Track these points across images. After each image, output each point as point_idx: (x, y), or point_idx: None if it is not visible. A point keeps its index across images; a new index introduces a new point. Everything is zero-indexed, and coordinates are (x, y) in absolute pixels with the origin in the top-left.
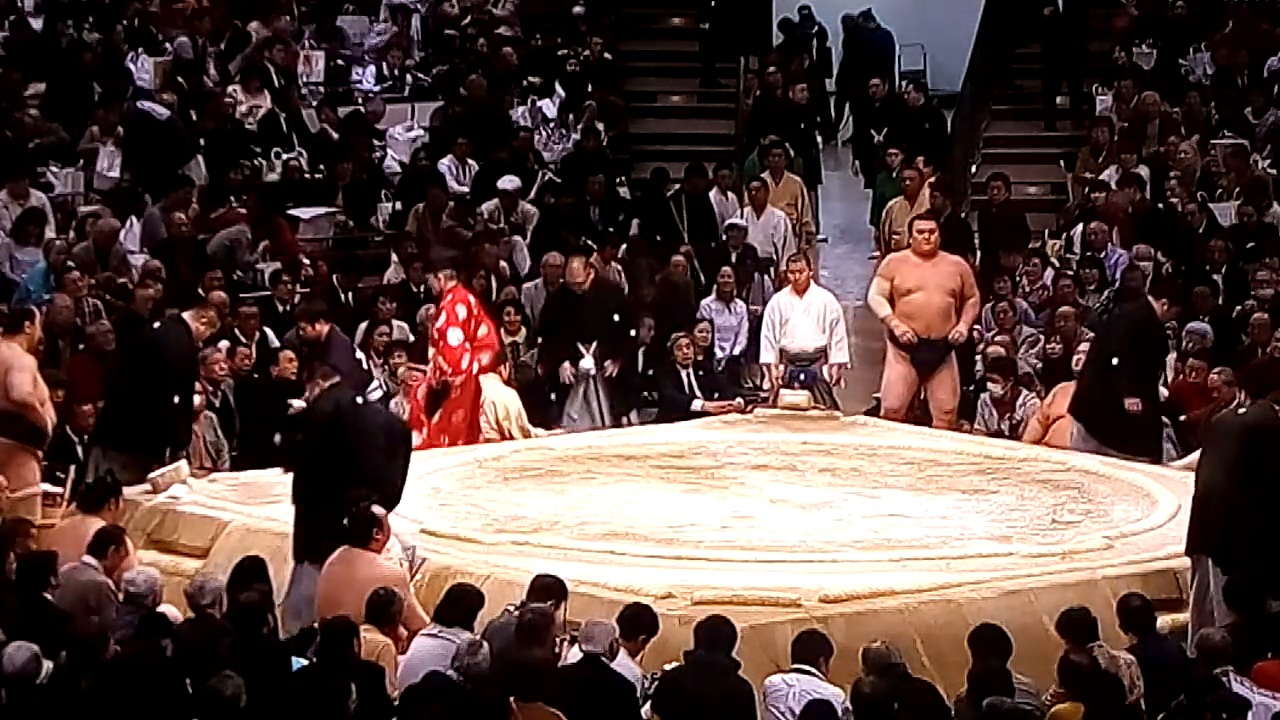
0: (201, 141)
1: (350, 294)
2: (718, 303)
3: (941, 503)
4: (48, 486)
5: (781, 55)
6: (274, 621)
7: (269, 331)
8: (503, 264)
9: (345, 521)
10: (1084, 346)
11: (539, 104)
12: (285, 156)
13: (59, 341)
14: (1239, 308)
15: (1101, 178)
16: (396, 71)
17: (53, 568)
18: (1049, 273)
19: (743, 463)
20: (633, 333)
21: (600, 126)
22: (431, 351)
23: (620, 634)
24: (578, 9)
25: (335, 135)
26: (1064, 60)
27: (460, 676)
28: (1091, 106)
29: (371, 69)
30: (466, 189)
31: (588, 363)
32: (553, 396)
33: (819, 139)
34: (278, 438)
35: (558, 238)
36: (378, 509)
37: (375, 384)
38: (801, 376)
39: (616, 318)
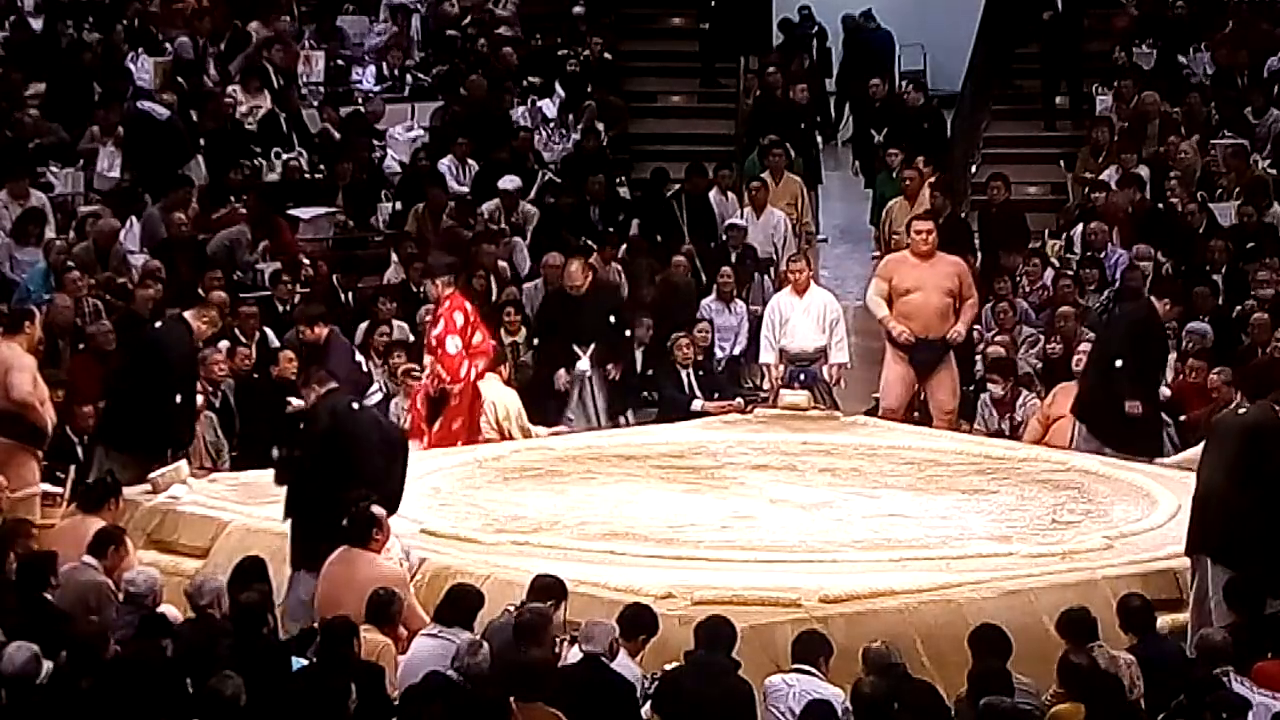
0: (201, 141)
1: (350, 294)
2: (718, 303)
3: (941, 503)
4: (47, 486)
5: (781, 55)
6: (274, 621)
7: (269, 331)
8: (502, 264)
9: (345, 522)
10: (1084, 346)
11: (539, 104)
12: (285, 156)
13: (59, 341)
14: (1239, 308)
15: (1101, 178)
16: (396, 71)
17: (53, 568)
18: (1049, 273)
19: (743, 463)
20: (628, 332)
21: (600, 126)
22: (429, 359)
23: (620, 634)
24: (578, 9)
25: (337, 135)
26: (1063, 60)
27: (460, 676)
28: (1091, 106)
29: (371, 69)
30: (466, 189)
31: (584, 364)
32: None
33: (819, 139)
34: (276, 453)
35: (558, 238)
36: (377, 509)
37: (375, 387)
38: (801, 376)
39: (613, 319)
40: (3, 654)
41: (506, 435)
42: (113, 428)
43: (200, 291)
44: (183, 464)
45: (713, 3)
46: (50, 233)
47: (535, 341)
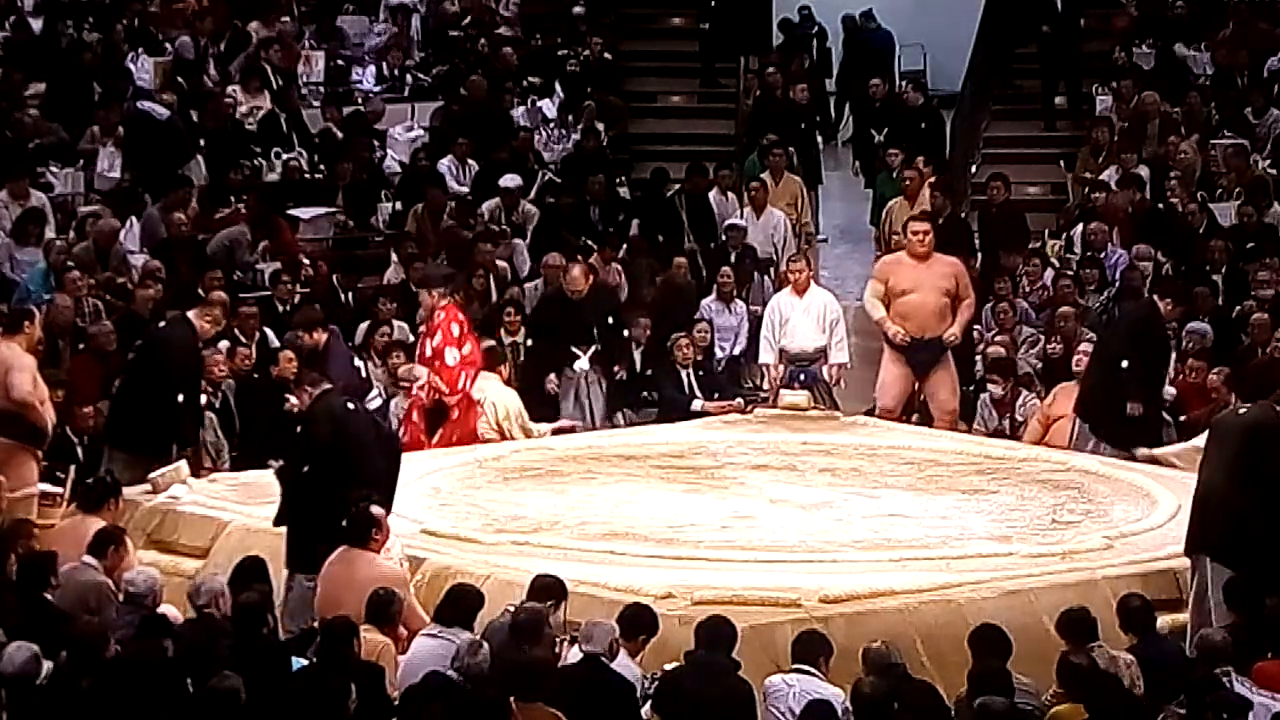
0: (201, 142)
1: (350, 294)
2: (718, 303)
3: (941, 503)
4: (47, 486)
5: (781, 55)
6: (274, 622)
7: (269, 331)
8: (503, 264)
9: (345, 522)
10: (1084, 346)
11: (539, 104)
12: (285, 156)
13: (59, 341)
14: (1239, 308)
15: (1101, 178)
16: (396, 71)
17: (53, 568)
18: (1049, 273)
19: (743, 463)
20: (626, 333)
21: (600, 126)
22: (424, 371)
23: (620, 634)
24: (578, 9)
25: (340, 135)
26: (1061, 60)
27: (460, 676)
28: (1091, 106)
29: (371, 69)
30: (466, 189)
31: (584, 364)
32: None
33: (819, 139)
34: (274, 464)
35: (558, 238)
36: (376, 509)
37: (374, 393)
38: (801, 376)
39: (611, 321)
40: (3, 654)
41: (507, 435)
42: (117, 428)
43: (200, 291)
44: (183, 464)
45: (713, 3)
46: (50, 233)
47: (529, 342)
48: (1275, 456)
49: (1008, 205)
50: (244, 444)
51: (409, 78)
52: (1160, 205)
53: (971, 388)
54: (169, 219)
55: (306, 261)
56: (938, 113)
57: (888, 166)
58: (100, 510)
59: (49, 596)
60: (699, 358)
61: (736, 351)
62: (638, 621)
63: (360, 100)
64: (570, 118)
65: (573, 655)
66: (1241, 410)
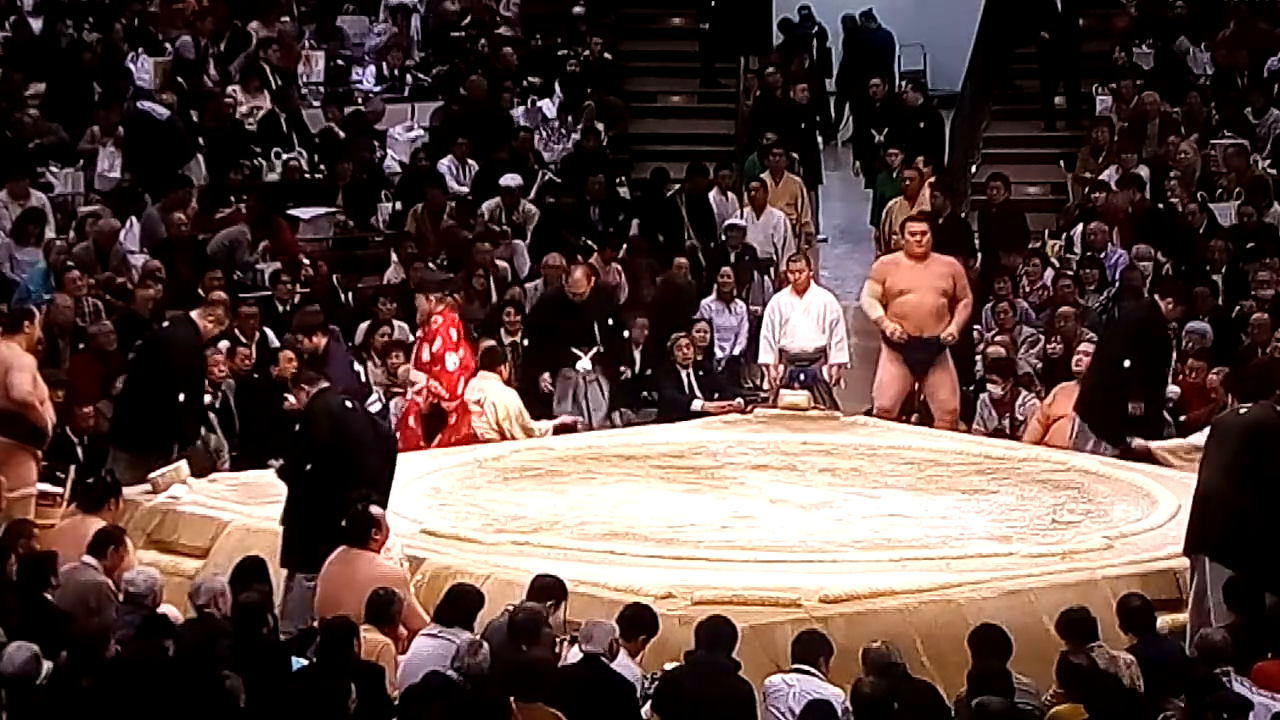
0: (201, 141)
1: (350, 294)
2: (718, 303)
3: (941, 503)
4: (47, 486)
5: (781, 55)
6: (274, 621)
7: (269, 331)
8: (502, 264)
9: (344, 522)
10: (1084, 346)
11: (539, 104)
12: (285, 156)
13: (59, 341)
14: (1239, 308)
15: (1101, 178)
16: (396, 71)
17: (53, 568)
18: (1049, 273)
19: (743, 463)
20: (626, 334)
21: (600, 126)
22: (422, 376)
23: (620, 634)
24: (578, 9)
25: (342, 134)
26: (1060, 60)
27: (460, 676)
28: (1091, 106)
29: (371, 69)
30: (466, 189)
31: (585, 364)
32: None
33: (819, 139)
34: (274, 464)
35: (558, 238)
36: (376, 509)
37: (374, 398)
38: (801, 376)
39: (610, 322)
40: (3, 654)
41: (507, 435)
42: (120, 428)
43: (200, 291)
44: (183, 464)
45: (713, 3)
46: (50, 233)
47: (526, 342)
48: (1275, 456)
49: (1008, 205)
50: (244, 444)
51: (409, 78)
52: (1160, 205)
53: (971, 388)
54: (169, 219)
55: (306, 261)
56: (936, 113)
57: (888, 166)
58: (100, 510)
59: (49, 596)
60: (699, 358)
61: (736, 351)
62: (638, 621)
63: (360, 100)
64: (570, 118)
65: (573, 655)
66: (1242, 410)
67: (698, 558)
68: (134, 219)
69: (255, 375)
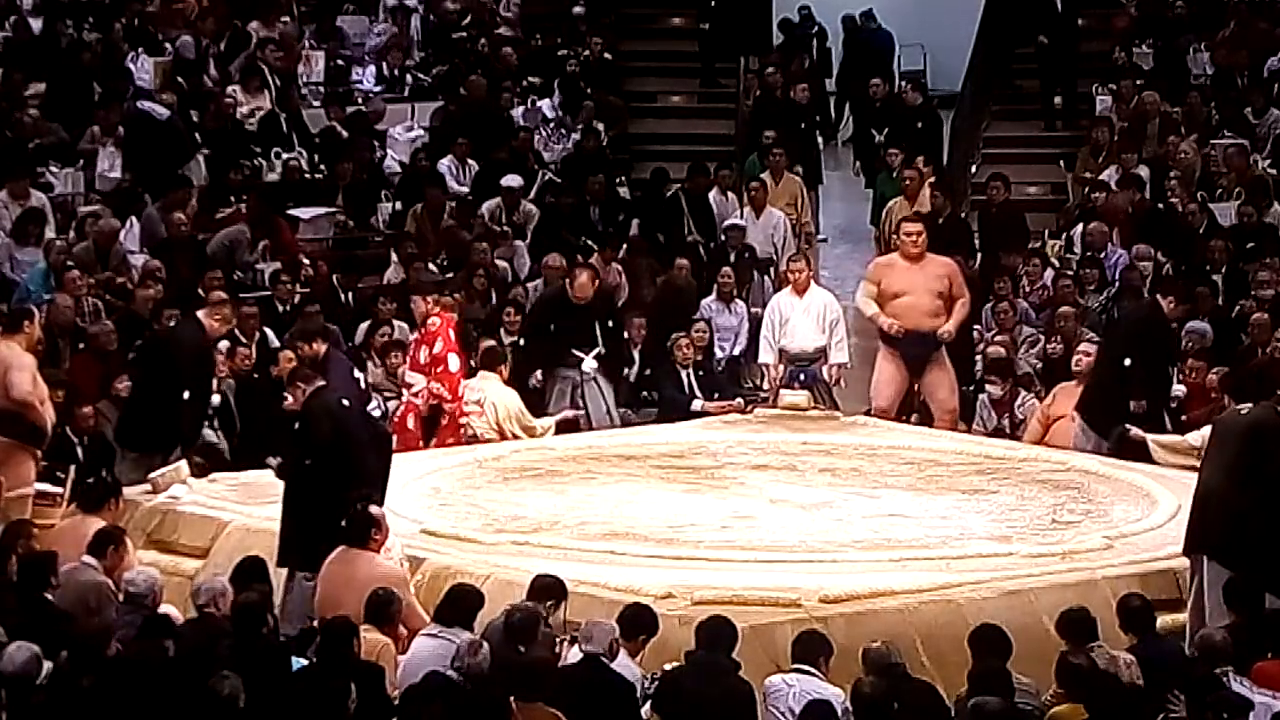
0: (199, 138)
1: (350, 294)
2: (718, 303)
3: (941, 503)
4: (46, 486)
5: (781, 55)
6: (274, 621)
7: (269, 331)
8: (502, 265)
9: (344, 522)
10: (1084, 346)
11: (539, 104)
12: (285, 156)
13: (59, 341)
14: (1239, 308)
15: (1101, 178)
16: (396, 71)
17: (53, 568)
18: (1049, 273)
19: (743, 463)
20: (625, 335)
21: (600, 126)
22: (419, 378)
23: (620, 634)
24: (578, 9)
25: (345, 134)
26: (1058, 61)
27: (460, 676)
28: (1090, 106)
29: (371, 69)
30: (466, 189)
31: (590, 364)
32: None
33: (819, 139)
34: (272, 462)
35: (558, 238)
36: (375, 509)
37: (374, 404)
38: (801, 376)
39: (610, 324)
40: (3, 654)
41: (507, 435)
42: (127, 428)
43: (200, 291)
44: (183, 464)
45: (713, 3)
46: (50, 233)
47: (522, 342)
48: (1276, 457)
49: (1008, 205)
50: (244, 444)
51: (409, 78)
52: (1160, 205)
53: (971, 388)
54: (169, 219)
55: (306, 261)
56: (935, 113)
57: (888, 166)
58: (100, 510)
59: (49, 596)
60: (699, 358)
61: (736, 351)
62: (638, 621)
63: (360, 100)
64: (570, 118)
65: (573, 655)
66: (1243, 410)
67: (698, 558)
68: (134, 219)
69: (255, 375)
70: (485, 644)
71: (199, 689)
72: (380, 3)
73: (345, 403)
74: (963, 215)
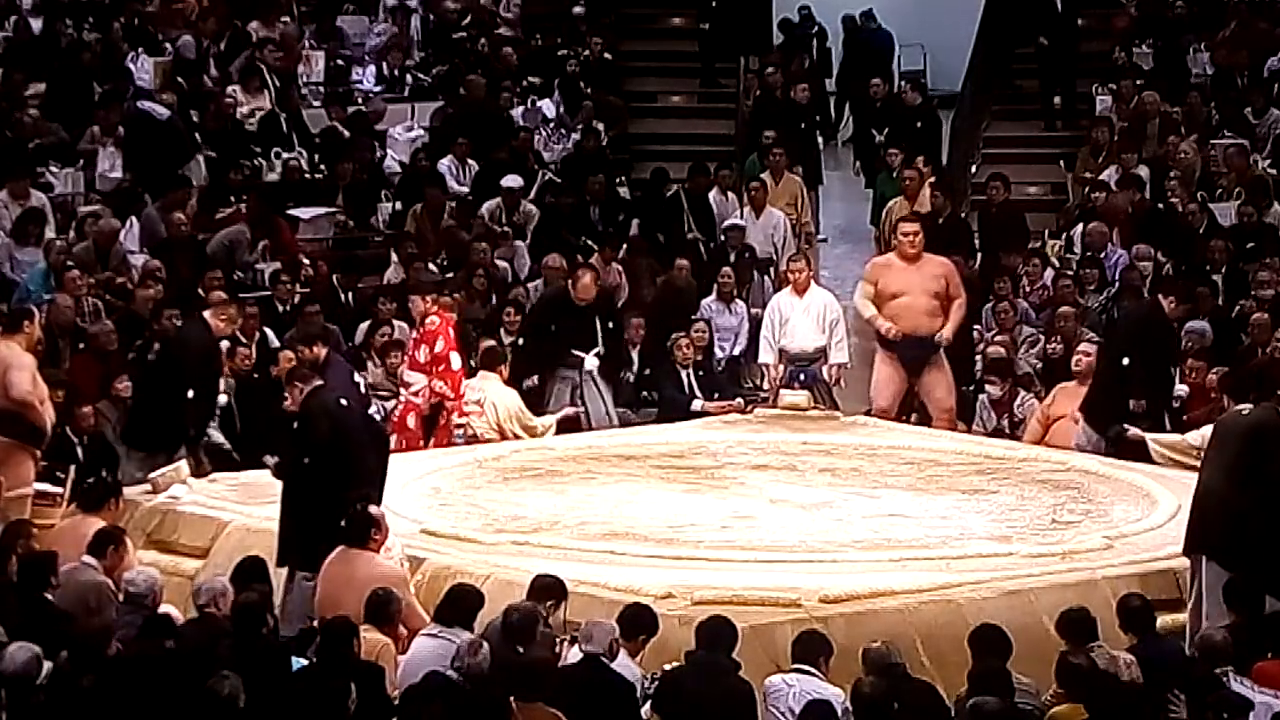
0: (199, 138)
1: (350, 294)
2: (718, 303)
3: (941, 503)
4: (46, 486)
5: (781, 55)
6: (274, 621)
7: (269, 331)
8: (502, 265)
9: (344, 522)
10: (1084, 346)
11: (539, 104)
12: (285, 156)
13: (59, 341)
14: (1239, 307)
15: (1101, 178)
16: (396, 71)
17: (53, 568)
18: (1049, 273)
19: (743, 463)
20: (625, 335)
21: (600, 126)
22: (419, 377)
23: (620, 634)
24: (578, 9)
25: (346, 134)
26: (1058, 61)
27: (460, 676)
28: (1090, 106)
29: (371, 69)
30: (466, 189)
31: (592, 362)
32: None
33: (819, 139)
34: (270, 460)
35: (558, 238)
36: (375, 509)
37: (374, 409)
38: (801, 376)
39: (611, 325)
40: (3, 654)
41: (507, 435)
42: (134, 427)
43: (200, 291)
44: (183, 464)
45: (713, 3)
46: (50, 233)
47: (520, 341)
48: (1277, 457)
49: (1008, 205)
50: (244, 444)
51: (409, 78)
52: (1160, 205)
53: (970, 388)
54: (169, 219)
55: (306, 261)
56: (935, 113)
57: (888, 166)
58: (100, 510)
59: (49, 596)
60: (699, 358)
61: (736, 351)
62: (638, 621)
63: (360, 100)
64: (570, 118)
65: (573, 655)
66: (1244, 411)
67: (698, 558)
68: (134, 219)
69: (255, 375)
70: (485, 644)
71: (199, 689)
72: (380, 3)
73: (343, 402)
74: (963, 215)
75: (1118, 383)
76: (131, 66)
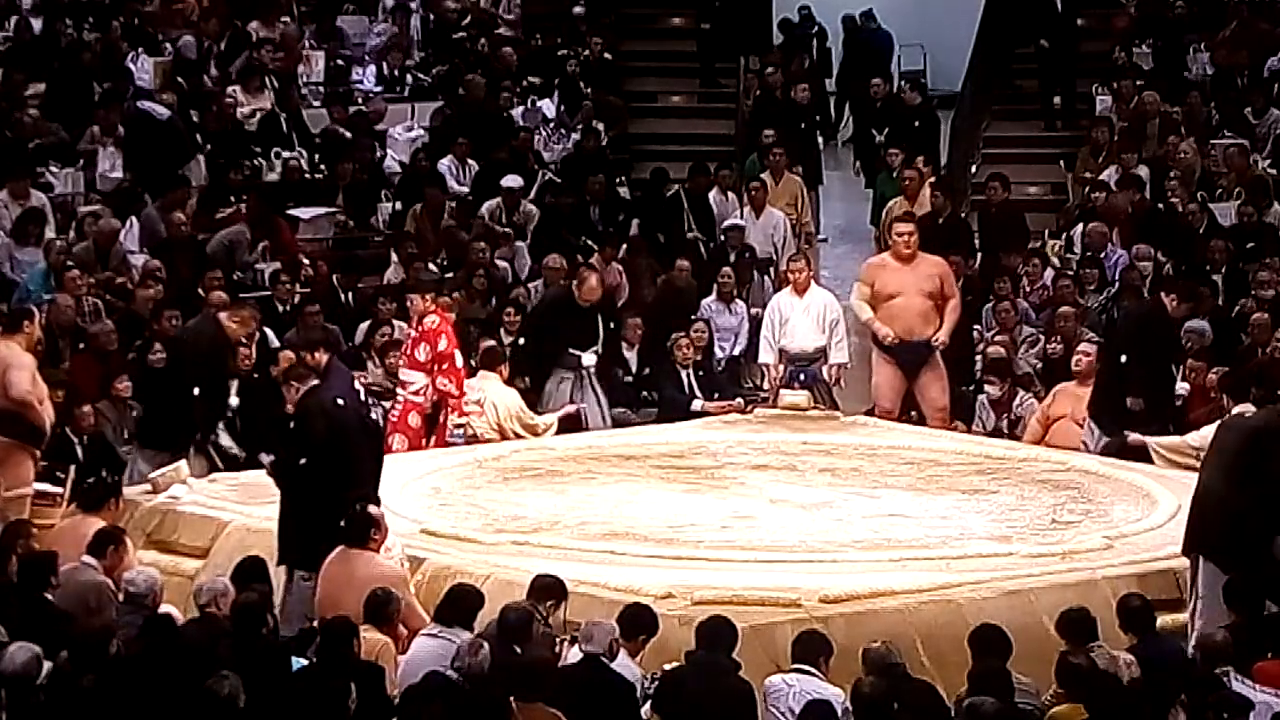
0: (199, 139)
1: (350, 294)
2: (718, 303)
3: (941, 503)
4: (46, 486)
5: (781, 55)
6: (274, 621)
7: (269, 331)
8: (502, 265)
9: (343, 522)
10: (1084, 346)
11: (538, 104)
12: (285, 156)
13: (59, 341)
14: (1239, 307)
15: (1101, 178)
16: (396, 71)
17: (53, 568)
18: (1049, 273)
19: (743, 463)
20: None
21: (600, 126)
22: (419, 376)
23: (620, 634)
24: (578, 9)
25: (346, 134)
26: (1058, 61)
27: (460, 676)
28: (1090, 106)
29: (371, 69)
30: (466, 189)
31: (589, 359)
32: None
33: (819, 139)
34: (267, 459)
35: (558, 238)
36: (374, 509)
37: (375, 415)
38: (801, 376)
39: (613, 325)
40: (3, 654)
41: (507, 435)
42: (144, 427)
43: (200, 291)
44: (183, 464)
45: (714, 3)
46: (50, 233)
47: (521, 341)
48: (1276, 457)
49: (1008, 205)
50: (244, 444)
51: (409, 78)
52: (1160, 205)
53: (970, 388)
54: (169, 219)
55: (306, 261)
56: (935, 113)
57: (888, 166)
58: (100, 510)
59: (49, 596)
60: (699, 358)
61: (736, 351)
62: (638, 621)
63: (360, 100)
64: (570, 118)
65: (573, 655)
66: (1247, 414)
67: (698, 558)
68: (134, 219)
69: (255, 375)
70: (485, 644)
71: (199, 689)
72: (380, 3)
73: (340, 401)
74: (963, 215)
75: (1116, 380)
76: (131, 66)
